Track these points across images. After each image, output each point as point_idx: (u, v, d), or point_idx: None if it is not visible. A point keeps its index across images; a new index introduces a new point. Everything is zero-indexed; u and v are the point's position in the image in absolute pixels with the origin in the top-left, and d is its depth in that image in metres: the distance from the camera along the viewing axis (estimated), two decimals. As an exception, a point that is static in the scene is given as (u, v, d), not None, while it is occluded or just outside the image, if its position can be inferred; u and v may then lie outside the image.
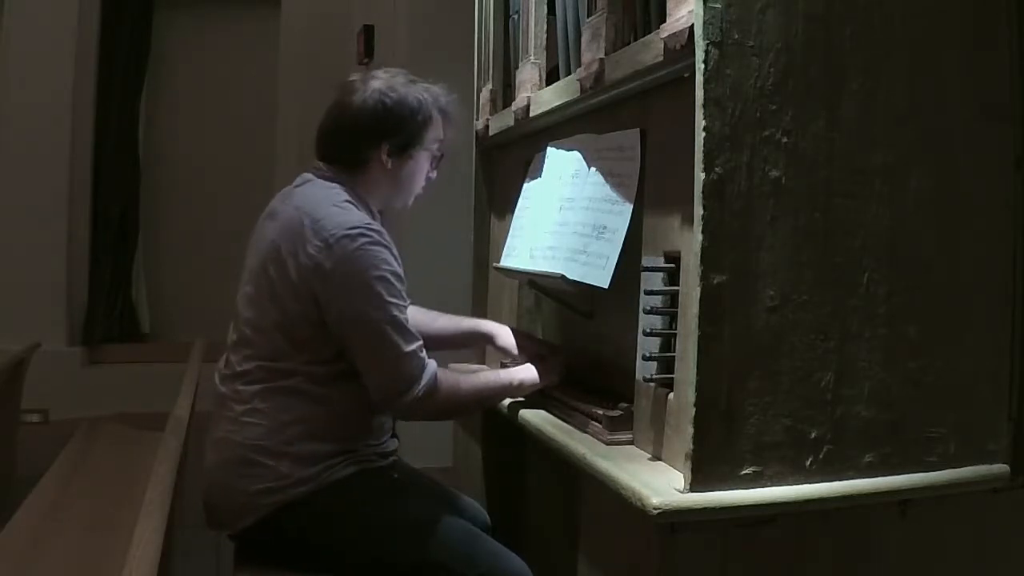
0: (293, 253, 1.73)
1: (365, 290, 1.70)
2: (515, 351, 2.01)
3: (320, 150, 1.90)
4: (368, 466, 1.80)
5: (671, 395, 1.44)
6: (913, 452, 1.39)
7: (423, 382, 1.73)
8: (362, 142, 1.85)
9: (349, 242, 1.71)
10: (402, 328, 1.73)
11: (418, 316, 2.11)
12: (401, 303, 1.74)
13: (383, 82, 1.87)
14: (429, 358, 1.77)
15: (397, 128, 1.85)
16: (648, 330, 1.46)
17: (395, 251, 1.78)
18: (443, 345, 2.10)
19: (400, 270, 1.77)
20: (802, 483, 1.32)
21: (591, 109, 1.83)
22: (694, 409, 1.27)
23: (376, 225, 1.78)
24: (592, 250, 1.67)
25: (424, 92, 1.89)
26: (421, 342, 1.77)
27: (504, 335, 2.06)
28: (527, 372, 1.91)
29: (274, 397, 1.75)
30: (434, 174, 1.97)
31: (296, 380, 1.75)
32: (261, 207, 1.94)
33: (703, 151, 1.27)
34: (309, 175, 1.88)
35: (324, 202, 1.79)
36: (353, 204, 1.81)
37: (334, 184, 1.84)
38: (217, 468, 1.78)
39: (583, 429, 1.64)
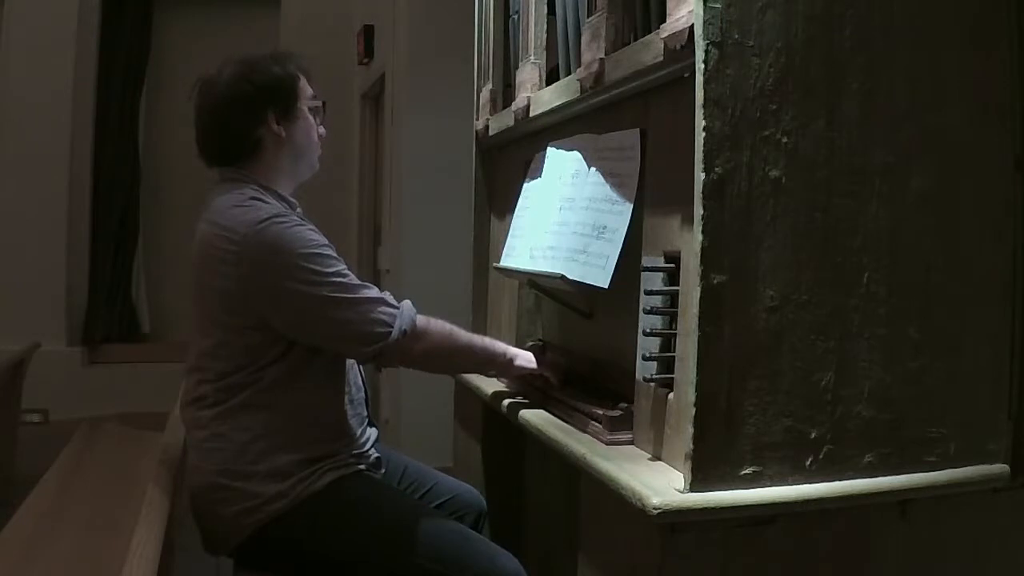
0: (214, 269, 1.71)
1: (296, 274, 1.67)
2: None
3: (209, 157, 1.86)
4: (345, 472, 1.77)
5: (671, 395, 1.44)
6: (913, 452, 1.39)
7: (402, 319, 1.72)
8: (248, 123, 1.81)
9: (259, 236, 1.68)
10: (351, 287, 1.71)
11: None
12: (338, 267, 1.71)
13: (235, 67, 1.84)
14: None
15: (273, 93, 1.82)
16: (648, 330, 1.46)
17: (313, 226, 1.75)
18: None
19: (324, 240, 1.74)
20: (802, 483, 1.32)
21: (591, 109, 1.83)
22: (694, 409, 1.27)
23: (285, 212, 1.75)
24: (592, 250, 1.67)
25: (276, 58, 1.87)
26: (376, 288, 1.76)
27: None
28: (523, 353, 1.90)
29: (231, 418, 1.73)
30: (323, 130, 1.94)
31: (248, 393, 1.73)
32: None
33: (703, 151, 1.27)
34: (217, 184, 1.85)
35: (226, 206, 1.75)
36: (259, 200, 1.77)
37: (237, 184, 1.81)
38: (195, 497, 1.78)
39: (583, 429, 1.64)
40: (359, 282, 1.74)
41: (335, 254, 1.74)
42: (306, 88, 1.89)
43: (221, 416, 1.74)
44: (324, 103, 1.94)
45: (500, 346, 1.91)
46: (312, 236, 1.72)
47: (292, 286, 1.67)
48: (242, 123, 1.81)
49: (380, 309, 1.72)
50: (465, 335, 1.86)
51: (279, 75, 1.83)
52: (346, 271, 1.73)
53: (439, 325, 1.81)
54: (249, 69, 1.82)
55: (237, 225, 1.70)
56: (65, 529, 2.42)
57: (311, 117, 1.89)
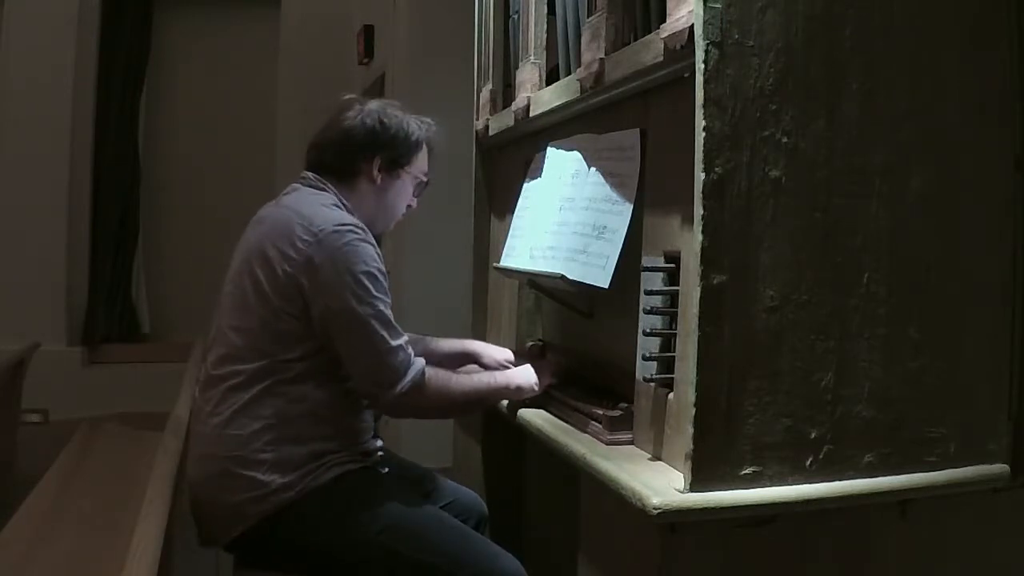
0: (280, 248, 1.76)
1: (352, 284, 1.73)
2: (506, 365, 2.03)
3: (311, 160, 1.95)
4: (351, 467, 1.79)
5: (671, 395, 1.44)
6: (913, 452, 1.39)
7: (409, 377, 1.74)
8: (357, 153, 1.91)
9: (338, 237, 1.75)
10: (387, 323, 1.75)
11: None
12: (386, 299, 1.77)
13: (380, 104, 1.96)
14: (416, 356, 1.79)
15: (391, 143, 1.93)
16: (648, 330, 1.46)
17: (379, 252, 1.81)
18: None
19: (384, 269, 1.80)
20: (802, 483, 1.32)
21: (591, 109, 1.83)
22: (694, 409, 1.27)
23: (362, 225, 1.82)
24: (592, 250, 1.67)
25: (417, 121, 1.98)
26: (407, 338, 1.79)
27: (491, 353, 2.09)
28: (524, 375, 1.91)
29: (247, 406, 1.74)
30: (415, 203, 2.04)
31: (270, 381, 1.75)
32: (261, 207, 1.95)
33: (703, 151, 1.27)
34: (297, 184, 1.93)
35: (313, 203, 1.84)
36: (340, 208, 1.86)
37: (323, 191, 1.89)
38: (199, 484, 1.79)
39: (583, 429, 1.64)
40: (393, 322, 1.77)
41: (388, 284, 1.80)
42: (422, 161, 2.00)
43: (236, 400, 1.75)
44: (428, 183, 2.04)
45: (501, 379, 1.91)
46: (377, 260, 1.79)
47: (341, 292, 1.72)
48: (353, 150, 1.91)
49: (399, 359, 1.75)
50: (460, 388, 1.85)
51: (408, 133, 1.94)
52: (389, 303, 1.78)
53: (437, 385, 1.80)
54: (387, 114, 1.93)
55: (319, 220, 1.77)
56: (65, 529, 2.42)
57: (410, 186, 1.99)
